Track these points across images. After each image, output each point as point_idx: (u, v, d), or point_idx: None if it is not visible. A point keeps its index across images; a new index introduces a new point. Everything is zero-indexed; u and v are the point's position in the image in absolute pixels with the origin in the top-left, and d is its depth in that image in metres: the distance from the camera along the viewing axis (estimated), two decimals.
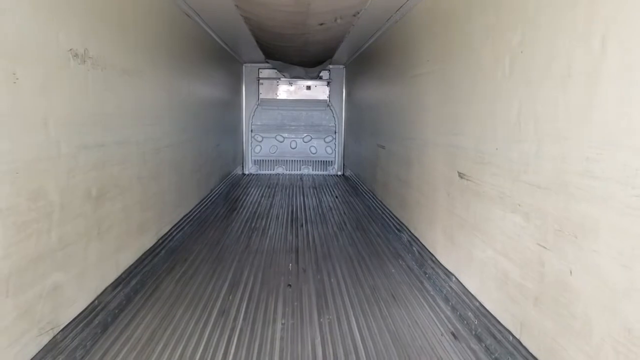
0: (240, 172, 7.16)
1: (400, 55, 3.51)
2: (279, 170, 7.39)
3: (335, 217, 4.31)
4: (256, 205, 4.80)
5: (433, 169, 2.65)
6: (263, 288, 2.53)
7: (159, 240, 2.82)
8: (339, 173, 7.42)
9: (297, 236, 3.63)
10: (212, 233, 3.65)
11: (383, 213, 4.06)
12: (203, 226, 3.83)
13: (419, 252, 2.88)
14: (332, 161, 7.43)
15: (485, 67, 1.93)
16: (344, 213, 4.51)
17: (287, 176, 7.15)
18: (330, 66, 7.06)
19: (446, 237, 2.40)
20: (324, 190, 5.91)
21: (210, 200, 4.57)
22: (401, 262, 2.99)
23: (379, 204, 4.32)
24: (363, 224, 4.06)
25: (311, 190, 5.84)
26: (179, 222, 3.31)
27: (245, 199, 5.19)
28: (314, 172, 7.43)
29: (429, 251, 2.69)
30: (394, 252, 3.20)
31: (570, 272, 1.32)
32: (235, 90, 6.55)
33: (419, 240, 2.92)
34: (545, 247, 1.45)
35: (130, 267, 2.35)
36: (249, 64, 7.09)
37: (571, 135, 1.32)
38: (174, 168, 3.22)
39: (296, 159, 7.40)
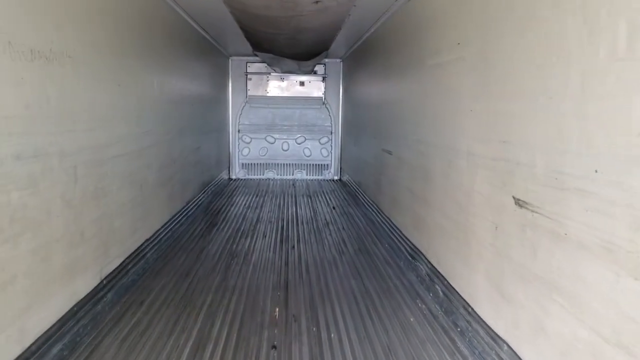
0: (227, 177, 6.46)
1: (415, 41, 2.84)
2: (270, 174, 6.69)
3: (333, 235, 3.64)
4: (240, 219, 4.12)
5: (467, 187, 1.99)
6: (238, 351, 1.86)
7: (102, 280, 2.14)
8: (336, 178, 6.74)
9: (286, 263, 2.96)
10: (183, 260, 2.96)
11: (391, 232, 3.39)
12: (173, 250, 3.14)
13: (444, 294, 2.22)
14: (328, 165, 6.75)
15: (567, 42, 1.27)
16: (343, 229, 3.84)
17: (279, 181, 6.45)
18: (326, 60, 6.37)
19: (491, 285, 1.74)
20: (320, 198, 5.23)
21: (186, 214, 3.88)
22: (420, 304, 2.33)
23: (385, 219, 3.65)
24: (367, 244, 3.39)
25: (305, 199, 5.16)
26: (137, 249, 2.62)
27: (228, 210, 4.50)
28: (308, 177, 6.73)
29: (460, 295, 2.04)
30: (409, 288, 2.54)
31: None
32: (220, 86, 5.84)
33: (443, 277, 2.27)
34: None
35: (48, 330, 1.67)
36: (235, 58, 6.38)
37: None
38: (130, 182, 2.53)
39: (288, 162, 6.70)
